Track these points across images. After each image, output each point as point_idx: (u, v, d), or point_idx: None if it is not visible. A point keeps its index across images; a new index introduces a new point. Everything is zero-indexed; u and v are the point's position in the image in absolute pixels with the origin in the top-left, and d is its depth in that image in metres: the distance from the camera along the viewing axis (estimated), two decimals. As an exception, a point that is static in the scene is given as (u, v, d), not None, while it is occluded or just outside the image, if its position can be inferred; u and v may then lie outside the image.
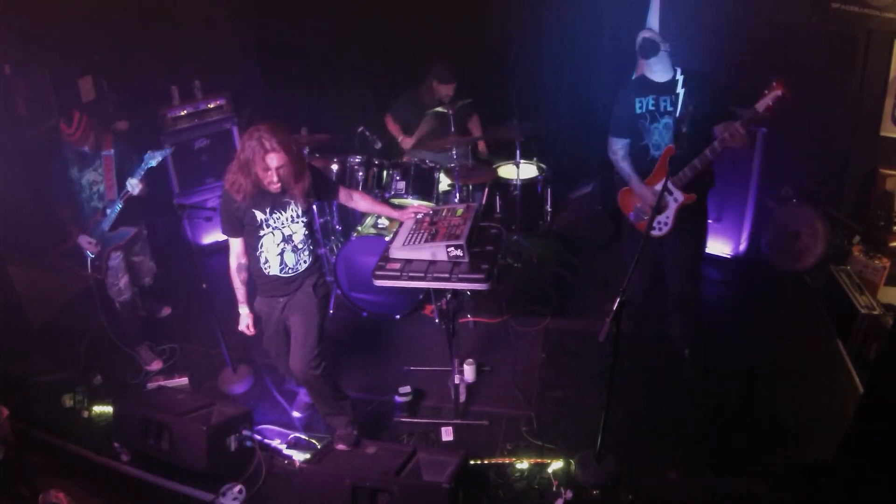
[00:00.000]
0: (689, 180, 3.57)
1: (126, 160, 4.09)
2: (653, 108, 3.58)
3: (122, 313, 4.34)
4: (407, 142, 5.27)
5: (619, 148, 3.76)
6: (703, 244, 4.06)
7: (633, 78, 3.83)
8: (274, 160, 3.06)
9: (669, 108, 3.55)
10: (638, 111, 3.62)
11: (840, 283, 4.09)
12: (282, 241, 3.32)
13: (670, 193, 3.61)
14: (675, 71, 3.55)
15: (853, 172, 4.81)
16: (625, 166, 3.76)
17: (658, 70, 3.54)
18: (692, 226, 3.79)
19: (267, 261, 3.34)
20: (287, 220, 3.30)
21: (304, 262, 3.41)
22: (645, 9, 5.29)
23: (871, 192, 4.69)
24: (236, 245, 3.39)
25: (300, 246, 3.37)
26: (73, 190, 4.10)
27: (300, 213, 3.33)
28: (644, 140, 3.66)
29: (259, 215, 3.24)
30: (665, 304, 4.08)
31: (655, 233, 3.75)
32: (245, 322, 3.56)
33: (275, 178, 3.11)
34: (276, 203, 3.26)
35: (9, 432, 3.50)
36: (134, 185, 3.97)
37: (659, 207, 3.62)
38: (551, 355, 4.31)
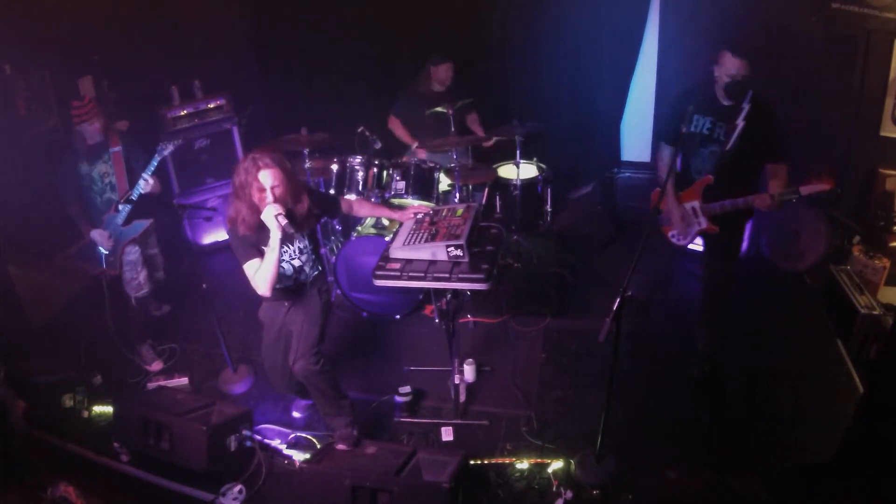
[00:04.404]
0: (717, 214, 3.53)
1: (133, 157, 4.13)
2: (706, 133, 3.41)
3: (136, 309, 4.35)
4: (420, 153, 5.12)
5: (666, 155, 3.63)
6: (733, 265, 3.90)
7: (698, 85, 3.53)
8: (268, 177, 3.01)
9: (721, 139, 3.39)
10: (693, 129, 3.44)
11: (840, 283, 4.09)
12: (293, 273, 3.36)
13: (696, 216, 3.61)
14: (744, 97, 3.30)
15: (853, 172, 4.80)
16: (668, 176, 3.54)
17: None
18: (725, 245, 3.75)
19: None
20: (295, 252, 3.32)
21: (311, 276, 3.45)
22: (645, 9, 5.31)
23: (871, 192, 4.69)
24: (254, 266, 3.15)
25: (308, 271, 3.42)
26: (83, 185, 4.11)
27: (306, 243, 3.35)
28: (686, 158, 3.56)
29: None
30: (694, 317, 4.07)
31: (675, 241, 3.78)
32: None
33: (272, 200, 3.03)
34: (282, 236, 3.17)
35: (23, 426, 3.53)
36: (146, 183, 3.98)
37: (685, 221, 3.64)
38: (551, 355, 4.31)
